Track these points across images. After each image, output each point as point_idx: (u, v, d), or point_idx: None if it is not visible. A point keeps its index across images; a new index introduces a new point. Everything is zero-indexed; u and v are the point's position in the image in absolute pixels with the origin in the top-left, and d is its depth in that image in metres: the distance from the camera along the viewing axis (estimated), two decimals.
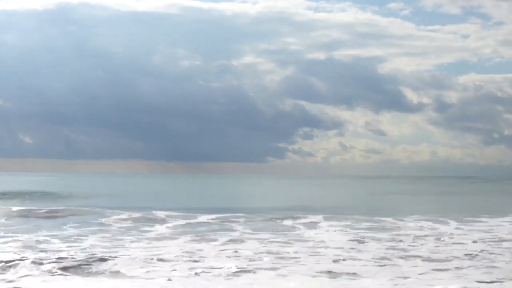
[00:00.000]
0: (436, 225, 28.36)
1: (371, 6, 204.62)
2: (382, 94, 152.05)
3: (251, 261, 16.70)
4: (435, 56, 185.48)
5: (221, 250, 18.78)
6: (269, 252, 18.38)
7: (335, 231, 25.34)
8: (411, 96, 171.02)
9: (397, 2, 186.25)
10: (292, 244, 20.62)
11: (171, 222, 28.13)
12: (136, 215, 30.87)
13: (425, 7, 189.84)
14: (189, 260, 16.69)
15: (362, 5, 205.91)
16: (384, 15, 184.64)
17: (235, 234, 23.57)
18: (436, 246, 20.53)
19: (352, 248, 19.67)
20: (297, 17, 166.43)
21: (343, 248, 19.77)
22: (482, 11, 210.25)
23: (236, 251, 18.45)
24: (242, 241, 21.38)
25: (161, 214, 31.43)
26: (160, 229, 25.39)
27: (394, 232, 24.71)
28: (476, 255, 18.40)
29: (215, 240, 21.55)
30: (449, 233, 24.76)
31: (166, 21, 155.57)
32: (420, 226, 27.82)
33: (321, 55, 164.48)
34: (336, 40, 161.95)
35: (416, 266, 16.33)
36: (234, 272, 15.02)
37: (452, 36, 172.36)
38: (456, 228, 26.90)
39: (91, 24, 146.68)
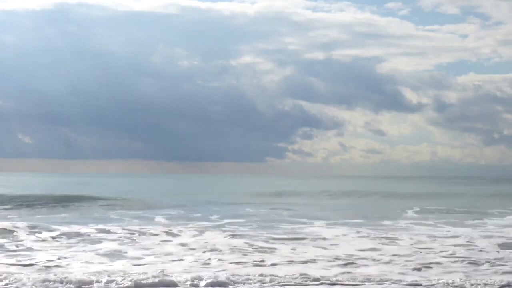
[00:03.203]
0: (433, 227, 28.13)
1: (370, 5, 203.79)
2: (381, 94, 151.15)
3: None
4: (434, 56, 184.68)
5: None
6: None
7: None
8: (410, 96, 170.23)
9: (395, 1, 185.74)
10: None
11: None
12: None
13: (423, 7, 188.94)
14: None
15: (360, 4, 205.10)
16: (383, 14, 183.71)
17: None
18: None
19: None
20: (295, 16, 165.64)
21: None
22: (481, 11, 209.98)
23: None
24: None
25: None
26: None
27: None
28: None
29: None
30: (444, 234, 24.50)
31: (164, 21, 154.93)
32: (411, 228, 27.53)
33: (319, 55, 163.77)
34: (335, 39, 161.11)
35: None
36: None
37: (451, 36, 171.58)
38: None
39: (89, 24, 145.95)
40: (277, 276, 14.87)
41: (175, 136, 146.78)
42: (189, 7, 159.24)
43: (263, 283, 14.22)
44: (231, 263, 16.96)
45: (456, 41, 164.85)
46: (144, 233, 23.56)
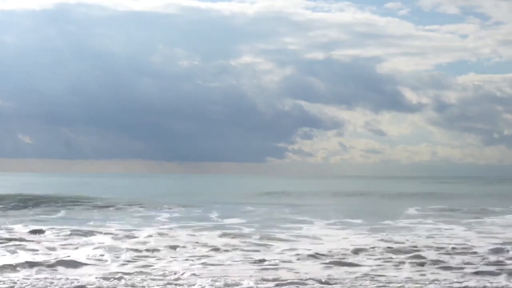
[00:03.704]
0: (429, 226, 28.13)
1: (369, 5, 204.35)
2: (381, 94, 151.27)
3: None
4: (434, 56, 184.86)
5: None
6: None
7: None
8: (410, 96, 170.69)
9: (394, 1, 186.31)
10: None
11: None
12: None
13: (423, 7, 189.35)
14: None
15: (360, 4, 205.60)
16: (382, 14, 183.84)
17: None
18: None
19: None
20: (295, 16, 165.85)
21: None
22: (481, 11, 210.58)
23: None
24: None
25: None
26: None
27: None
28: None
29: None
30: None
31: (164, 21, 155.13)
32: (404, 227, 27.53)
33: (319, 55, 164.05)
34: (335, 39, 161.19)
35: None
36: None
37: (451, 36, 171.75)
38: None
39: (89, 24, 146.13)
40: (276, 275, 14.93)
41: (175, 136, 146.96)
42: (189, 7, 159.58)
43: (262, 283, 14.27)
44: (230, 262, 16.99)
45: (456, 41, 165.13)
46: (143, 233, 23.61)
